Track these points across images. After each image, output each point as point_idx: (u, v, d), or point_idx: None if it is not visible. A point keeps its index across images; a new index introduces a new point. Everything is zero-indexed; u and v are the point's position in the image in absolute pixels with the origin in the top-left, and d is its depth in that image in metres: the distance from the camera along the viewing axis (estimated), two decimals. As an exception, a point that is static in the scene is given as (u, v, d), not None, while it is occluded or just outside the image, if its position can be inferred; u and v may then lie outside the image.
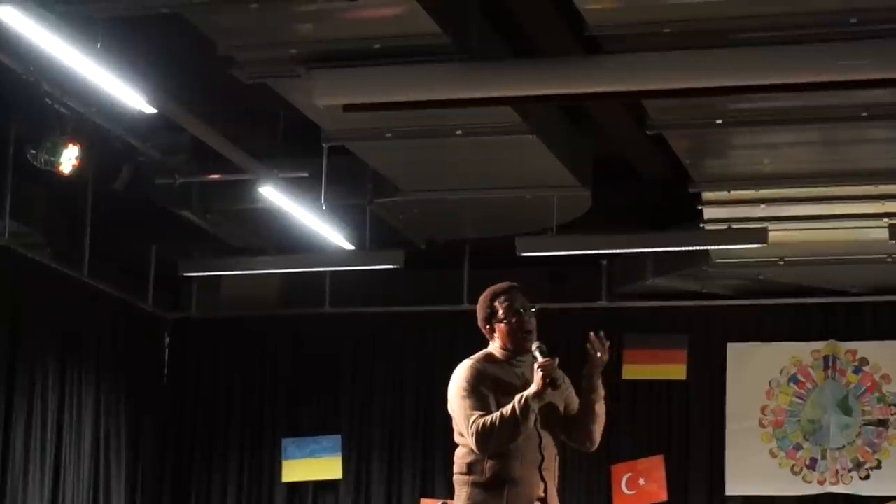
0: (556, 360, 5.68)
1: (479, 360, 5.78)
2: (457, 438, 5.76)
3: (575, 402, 5.90)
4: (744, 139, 9.90)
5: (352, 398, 13.37)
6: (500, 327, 5.80)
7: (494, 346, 5.85)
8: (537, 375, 5.59)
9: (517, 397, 5.58)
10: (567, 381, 5.89)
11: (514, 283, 5.92)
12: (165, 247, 13.02)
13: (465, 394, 5.66)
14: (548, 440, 5.73)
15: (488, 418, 5.57)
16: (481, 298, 5.90)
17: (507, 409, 5.57)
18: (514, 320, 5.78)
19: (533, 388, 5.59)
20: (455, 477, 5.74)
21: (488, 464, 5.63)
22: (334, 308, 13.44)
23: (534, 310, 5.84)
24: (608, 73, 8.17)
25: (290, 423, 13.46)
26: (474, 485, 5.65)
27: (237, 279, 13.50)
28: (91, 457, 12.25)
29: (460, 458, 5.72)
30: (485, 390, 5.65)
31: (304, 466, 13.31)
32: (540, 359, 5.65)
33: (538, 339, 5.79)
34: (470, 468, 5.67)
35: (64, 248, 12.02)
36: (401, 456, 13.21)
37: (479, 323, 5.90)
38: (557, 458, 5.87)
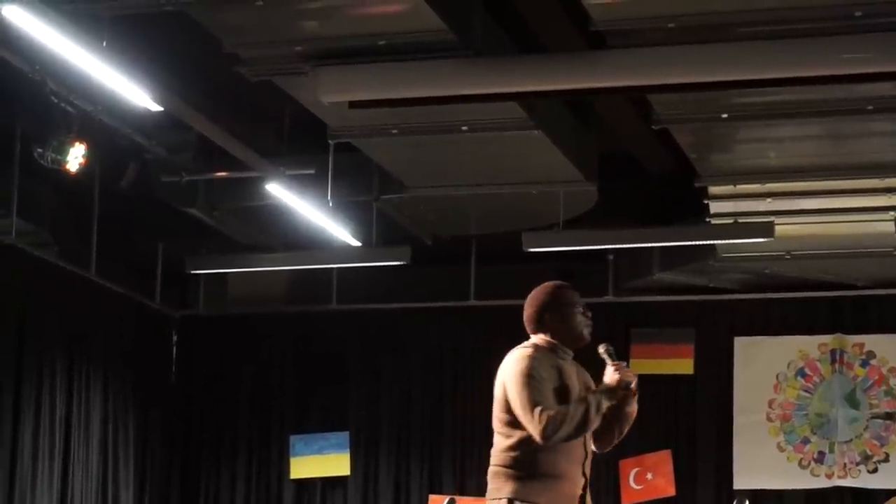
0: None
1: (536, 350, 5.67)
2: (499, 429, 5.63)
3: None
4: (749, 133, 9.90)
5: (359, 394, 13.39)
6: (566, 316, 5.73)
7: (539, 338, 5.75)
8: (614, 378, 5.59)
9: (590, 398, 5.54)
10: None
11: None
12: (172, 244, 13.04)
13: (527, 381, 5.51)
14: (589, 437, 5.73)
15: (559, 413, 5.47)
16: (546, 289, 5.79)
17: (579, 408, 5.51)
18: (581, 311, 5.75)
19: (609, 392, 5.59)
20: (495, 469, 5.61)
21: (535, 458, 5.54)
22: (341, 304, 13.45)
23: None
24: (613, 68, 8.18)
25: (297, 420, 13.47)
26: (518, 479, 5.54)
27: (244, 276, 13.52)
28: (99, 454, 12.27)
29: (504, 450, 5.59)
30: (546, 382, 5.55)
31: (311, 463, 13.32)
32: (610, 361, 5.64)
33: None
34: (515, 461, 5.56)
35: (71, 246, 12.04)
36: (408, 452, 13.22)
37: (535, 311, 5.75)
38: None
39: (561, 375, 5.62)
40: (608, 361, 5.66)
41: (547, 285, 5.84)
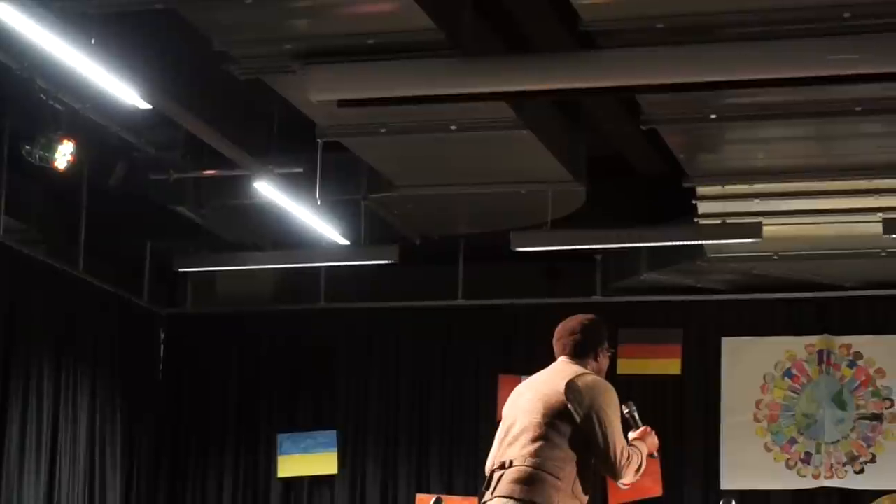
0: None
1: None
2: (545, 434, 5.66)
3: None
4: (738, 134, 9.91)
5: (347, 393, 13.38)
6: (603, 357, 5.87)
7: (580, 363, 5.83)
8: (655, 443, 5.92)
9: (642, 449, 5.87)
10: None
11: None
12: (160, 242, 13.03)
13: (618, 415, 5.71)
14: None
15: (638, 457, 5.81)
16: (596, 322, 5.89)
17: (640, 455, 5.85)
18: (609, 356, 5.93)
19: (646, 451, 5.89)
20: (538, 473, 5.62)
21: (579, 479, 5.71)
22: (329, 303, 13.45)
23: None
24: (602, 68, 8.19)
25: (285, 419, 13.46)
26: (562, 493, 5.64)
27: (232, 274, 13.51)
28: (87, 452, 12.25)
29: (554, 460, 5.65)
30: None
31: (299, 462, 13.31)
32: (640, 423, 5.93)
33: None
34: (564, 476, 5.65)
35: (59, 244, 12.03)
36: (396, 451, 13.22)
37: (588, 341, 5.83)
38: None
39: None
40: (640, 424, 5.93)
41: (597, 318, 5.92)
